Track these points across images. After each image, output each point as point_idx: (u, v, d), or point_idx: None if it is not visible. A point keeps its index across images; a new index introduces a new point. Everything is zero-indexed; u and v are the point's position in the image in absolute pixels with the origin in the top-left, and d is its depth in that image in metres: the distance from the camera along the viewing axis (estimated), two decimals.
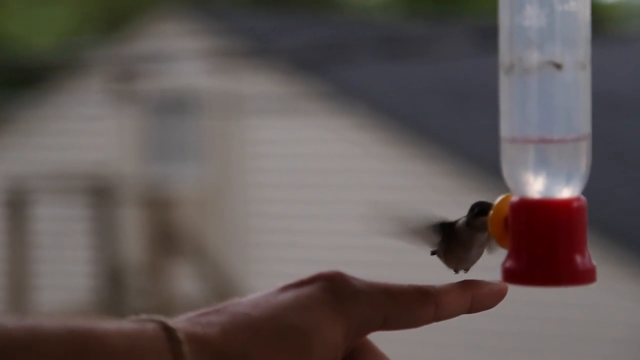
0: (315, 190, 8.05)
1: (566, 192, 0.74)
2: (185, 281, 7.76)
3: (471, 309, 0.74)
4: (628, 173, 8.56)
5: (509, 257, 0.75)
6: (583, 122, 0.74)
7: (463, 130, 8.03)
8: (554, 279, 0.74)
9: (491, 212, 0.77)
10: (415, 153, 7.74)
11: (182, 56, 7.99)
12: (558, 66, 0.72)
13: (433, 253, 0.82)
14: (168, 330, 0.66)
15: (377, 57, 8.05)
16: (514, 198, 0.75)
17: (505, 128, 0.75)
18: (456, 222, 0.79)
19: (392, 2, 15.88)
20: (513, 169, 0.75)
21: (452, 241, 0.78)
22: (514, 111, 0.74)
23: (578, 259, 0.74)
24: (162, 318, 0.68)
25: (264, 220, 8.23)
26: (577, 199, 0.74)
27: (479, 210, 0.77)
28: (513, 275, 0.75)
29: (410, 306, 0.71)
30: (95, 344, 0.64)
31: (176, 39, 8.48)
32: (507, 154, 0.75)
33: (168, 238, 7.73)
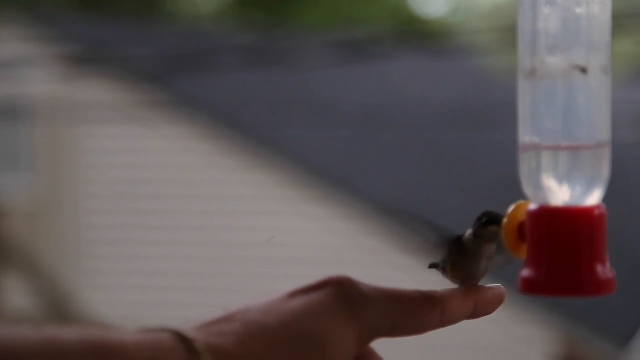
0: (153, 200, 7.93)
1: (588, 199, 0.72)
2: (17, 295, 7.50)
3: (473, 315, 0.73)
4: (457, 183, 8.77)
5: (526, 266, 0.73)
6: (605, 128, 0.73)
7: (302, 140, 8.06)
8: (576, 289, 0.72)
9: (505, 220, 0.75)
10: (255, 163, 7.73)
11: (14, 62, 7.75)
12: (584, 70, 0.71)
13: (432, 266, 0.79)
14: (186, 341, 0.64)
15: (217, 67, 8.00)
16: (533, 206, 0.73)
17: (526, 134, 0.73)
18: (462, 235, 0.77)
19: (222, 13, 15.84)
20: (533, 175, 0.73)
21: (459, 254, 0.76)
22: (535, 116, 0.72)
23: (599, 268, 0.72)
24: (177, 329, 0.65)
25: (99, 232, 8.06)
26: (598, 207, 0.73)
27: (488, 219, 0.75)
28: (532, 285, 0.73)
29: (418, 313, 0.70)
30: (116, 355, 0.62)
31: (8, 44, 8.22)
32: (527, 161, 0.73)
33: None
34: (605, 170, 0.73)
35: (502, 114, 10.80)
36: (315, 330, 0.66)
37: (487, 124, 9.95)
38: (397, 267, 6.78)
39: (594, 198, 0.72)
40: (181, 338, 0.64)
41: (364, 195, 7.59)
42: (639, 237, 8.49)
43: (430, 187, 8.38)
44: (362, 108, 8.67)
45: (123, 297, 7.86)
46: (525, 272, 0.73)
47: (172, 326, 0.66)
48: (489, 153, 9.81)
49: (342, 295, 0.68)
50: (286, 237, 7.59)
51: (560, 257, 0.72)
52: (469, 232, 0.76)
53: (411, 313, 0.70)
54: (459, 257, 0.76)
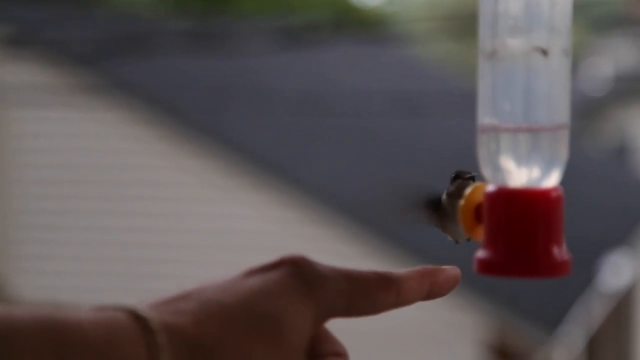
0: (85, 186, 7.85)
1: (546, 181, 0.73)
2: None
3: (428, 296, 0.73)
4: (392, 170, 8.81)
5: (483, 247, 0.73)
6: (564, 111, 0.73)
7: (239, 126, 8.03)
8: (532, 271, 0.72)
9: (462, 201, 0.75)
10: (191, 149, 7.68)
11: None
12: (544, 52, 0.71)
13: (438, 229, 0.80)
14: (140, 320, 0.63)
15: (154, 51, 7.93)
16: (491, 187, 0.73)
17: (485, 115, 0.73)
18: (439, 197, 0.78)
19: (159, 0, 15.72)
20: (491, 157, 0.73)
21: (441, 215, 0.77)
22: (495, 98, 0.72)
23: (555, 250, 0.72)
24: (132, 307, 0.64)
25: (29, 217, 7.96)
26: (556, 189, 0.73)
27: (455, 176, 0.76)
28: (489, 266, 0.73)
29: (374, 293, 0.70)
30: (71, 335, 0.60)
31: None
32: (486, 142, 0.73)
33: None
34: (564, 153, 0.73)
35: (437, 102, 10.87)
36: (272, 309, 0.66)
37: (422, 112, 10.01)
38: (334, 255, 6.80)
39: (551, 180, 0.73)
40: (136, 316, 0.63)
41: (300, 182, 7.60)
42: (569, 223, 8.61)
43: (365, 174, 8.40)
44: (299, 95, 8.66)
45: (52, 282, 7.79)
46: (482, 253, 0.73)
47: (126, 304, 0.65)
48: (424, 140, 9.88)
49: (299, 275, 0.68)
50: (222, 224, 7.57)
51: (517, 238, 0.72)
52: (443, 195, 0.77)
53: (367, 293, 0.69)
54: (442, 217, 0.76)
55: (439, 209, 0.76)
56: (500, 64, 0.72)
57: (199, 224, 7.60)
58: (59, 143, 7.98)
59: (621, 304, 10.10)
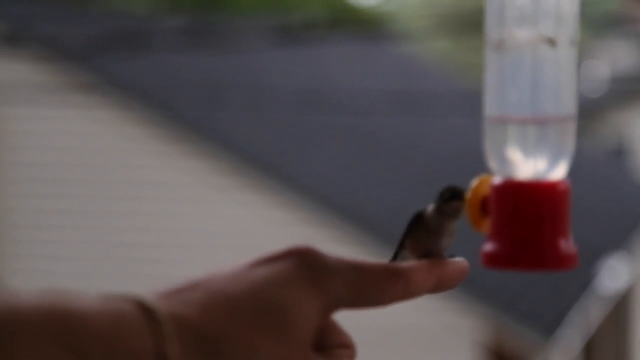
0: (80, 185, 7.84)
1: (553, 174, 0.72)
2: None
3: (436, 289, 0.72)
4: (389, 168, 8.80)
5: (490, 240, 0.72)
6: (571, 102, 0.72)
7: (235, 124, 8.03)
8: (539, 263, 0.71)
9: (469, 194, 0.74)
10: (185, 148, 7.67)
11: None
12: (552, 42, 0.70)
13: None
14: (147, 310, 0.63)
15: (150, 49, 7.92)
16: (497, 180, 0.72)
17: (492, 106, 0.72)
18: (424, 210, 0.76)
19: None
20: (499, 148, 0.72)
21: (420, 230, 0.75)
22: (502, 89, 0.71)
23: (562, 242, 0.72)
24: (139, 297, 0.64)
25: (22, 216, 7.95)
26: (563, 182, 0.72)
27: (451, 194, 0.74)
28: (495, 258, 0.72)
29: (381, 285, 0.69)
30: (77, 324, 0.60)
31: None
32: (493, 133, 0.72)
33: None
34: (570, 145, 0.72)
35: (434, 100, 10.85)
36: (279, 300, 0.65)
37: (419, 110, 9.99)
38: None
39: (558, 172, 0.72)
40: (143, 306, 0.63)
41: (296, 181, 7.59)
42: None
43: (362, 172, 8.40)
44: (295, 93, 8.65)
45: (45, 281, 7.77)
46: (488, 246, 0.72)
47: (133, 294, 0.64)
48: (421, 139, 9.87)
49: (306, 265, 0.67)
50: (217, 223, 7.55)
51: (523, 231, 0.71)
52: (431, 207, 0.75)
53: (375, 285, 0.69)
54: (420, 232, 0.74)
55: (418, 224, 0.75)
56: (507, 54, 0.71)
57: (193, 223, 7.59)
58: (53, 141, 7.96)
59: (618, 307, 10.10)
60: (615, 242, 9.33)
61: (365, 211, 7.61)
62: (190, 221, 7.56)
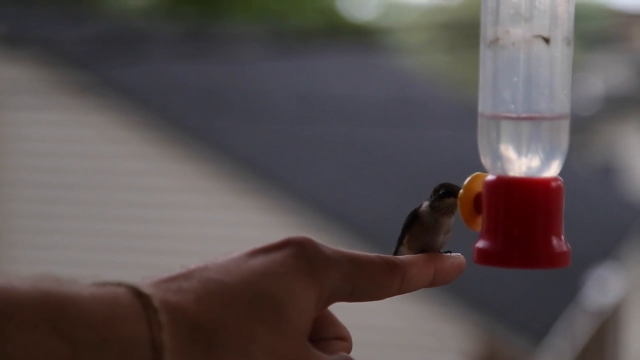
0: (75, 190, 7.82)
1: (546, 171, 0.72)
2: None
3: (432, 283, 0.72)
4: (383, 179, 8.80)
5: (482, 237, 0.73)
6: (565, 100, 0.72)
7: (230, 132, 8.02)
8: (531, 261, 0.72)
9: (461, 191, 0.74)
10: (181, 154, 7.66)
11: None
12: (546, 40, 0.71)
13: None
14: (142, 297, 0.62)
15: (147, 55, 7.92)
16: (490, 177, 0.72)
17: (486, 103, 0.72)
18: (419, 207, 0.76)
19: (153, 7, 15.73)
20: (492, 146, 0.72)
21: (416, 227, 0.75)
22: (496, 86, 0.72)
23: (555, 240, 0.72)
24: (134, 284, 0.63)
25: (19, 220, 7.93)
26: (556, 179, 0.72)
27: (445, 191, 0.74)
28: (488, 256, 0.72)
29: (379, 277, 0.69)
30: (70, 310, 0.60)
31: None
32: (486, 131, 0.72)
33: None
34: (564, 143, 0.72)
35: (428, 113, 10.85)
36: (275, 290, 0.65)
37: (413, 122, 10.01)
38: None
39: (551, 170, 0.72)
40: (138, 293, 0.62)
41: (290, 189, 7.59)
42: None
43: (356, 183, 8.40)
44: (290, 102, 8.66)
45: None
46: (481, 243, 0.72)
47: (128, 281, 0.64)
48: (415, 150, 9.88)
49: (303, 256, 0.66)
50: (212, 230, 7.55)
51: (516, 228, 0.71)
52: (425, 204, 0.75)
53: (372, 277, 0.68)
54: (416, 229, 0.75)
55: (413, 221, 0.75)
56: (501, 52, 0.71)
57: (188, 229, 7.59)
58: (50, 146, 7.95)
59: (607, 317, 10.12)
60: (603, 254, 9.37)
61: (359, 219, 7.62)
62: (184, 227, 7.55)
